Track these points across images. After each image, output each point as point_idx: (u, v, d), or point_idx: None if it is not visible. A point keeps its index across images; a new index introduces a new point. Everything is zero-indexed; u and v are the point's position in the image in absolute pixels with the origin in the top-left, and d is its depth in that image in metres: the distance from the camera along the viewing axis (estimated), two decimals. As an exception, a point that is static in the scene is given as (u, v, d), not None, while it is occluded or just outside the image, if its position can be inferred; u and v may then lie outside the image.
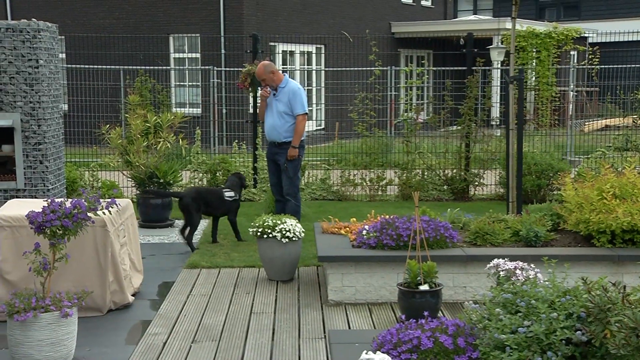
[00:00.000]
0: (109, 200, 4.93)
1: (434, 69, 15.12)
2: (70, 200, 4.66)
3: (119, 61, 15.85)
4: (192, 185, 10.55)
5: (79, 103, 13.31)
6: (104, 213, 5.11)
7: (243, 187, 8.22)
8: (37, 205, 4.97)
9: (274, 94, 7.62)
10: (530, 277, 4.31)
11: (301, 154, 7.64)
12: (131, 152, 8.92)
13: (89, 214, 4.62)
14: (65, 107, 13.60)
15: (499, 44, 17.99)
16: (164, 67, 16.21)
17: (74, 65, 13.90)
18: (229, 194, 7.75)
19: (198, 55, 18.73)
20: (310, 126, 17.79)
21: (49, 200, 4.60)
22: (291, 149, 7.45)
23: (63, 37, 17.07)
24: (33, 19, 7.14)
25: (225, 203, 7.74)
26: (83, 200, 4.64)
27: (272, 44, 18.12)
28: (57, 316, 4.42)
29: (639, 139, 10.54)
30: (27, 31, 7.02)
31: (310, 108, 18.65)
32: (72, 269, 5.20)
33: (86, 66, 13.65)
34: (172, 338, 5.09)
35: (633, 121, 10.92)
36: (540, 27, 18.64)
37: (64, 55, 16.96)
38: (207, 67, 13.99)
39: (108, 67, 14.00)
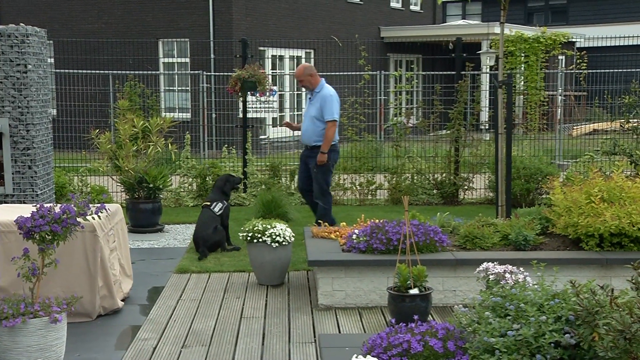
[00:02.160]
0: (99, 205, 4.92)
1: (423, 73, 15.19)
2: (59, 205, 4.64)
3: (108, 66, 15.82)
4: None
5: (67, 108, 13.26)
6: (93, 218, 5.10)
7: (233, 187, 8.09)
8: (25, 210, 4.95)
9: (310, 98, 7.81)
10: (520, 280, 4.33)
11: (333, 158, 7.75)
12: (120, 157, 8.89)
13: (78, 219, 4.61)
14: (54, 112, 13.55)
15: (488, 48, 18.09)
16: (153, 72, 16.18)
17: (62, 70, 13.85)
18: (217, 207, 7.66)
19: (187, 60, 18.72)
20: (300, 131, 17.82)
21: (38, 205, 4.59)
22: (320, 154, 7.57)
23: (51, 41, 17.02)
24: (21, 24, 7.12)
25: (219, 227, 7.58)
26: (72, 205, 4.63)
27: (261, 48, 18.13)
28: (46, 322, 4.40)
29: (626, 143, 10.60)
30: (15, 36, 7.00)
31: (300, 112, 18.72)
32: (61, 275, 5.18)
33: (75, 71, 13.61)
34: (162, 343, 5.07)
35: (620, 125, 10.98)
36: (529, 31, 18.74)
37: (52, 60, 16.90)
38: (196, 71, 13.99)
39: (97, 71, 13.98)
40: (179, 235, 8.68)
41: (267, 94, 10.29)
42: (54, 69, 13.76)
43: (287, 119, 17.90)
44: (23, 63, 7.03)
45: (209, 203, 7.70)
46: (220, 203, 7.67)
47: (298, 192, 10.83)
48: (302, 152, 8.02)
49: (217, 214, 7.60)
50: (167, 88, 17.61)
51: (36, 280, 4.53)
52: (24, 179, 7.13)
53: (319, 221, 7.16)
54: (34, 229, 4.48)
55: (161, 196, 9.29)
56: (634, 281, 3.17)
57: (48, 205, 4.65)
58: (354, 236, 6.02)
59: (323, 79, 7.85)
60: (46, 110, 7.52)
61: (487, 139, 11.66)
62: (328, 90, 7.75)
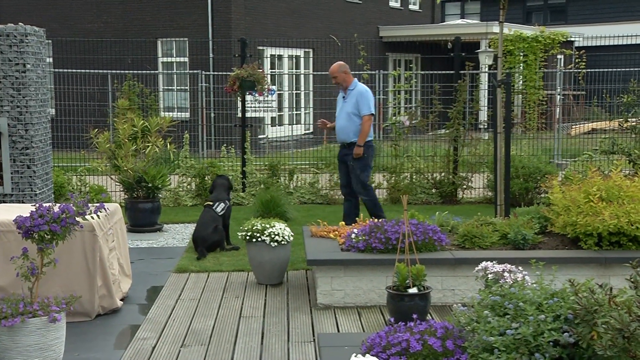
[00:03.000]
0: (98, 204, 4.92)
1: (422, 72, 15.18)
2: (58, 204, 4.64)
3: (107, 65, 15.80)
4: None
5: (66, 107, 13.25)
6: (92, 217, 5.10)
7: (230, 189, 8.14)
8: (24, 210, 4.95)
9: (343, 97, 7.89)
10: (518, 279, 4.33)
11: (369, 153, 7.82)
12: (119, 156, 8.89)
13: (77, 219, 4.61)
14: (53, 111, 13.55)
15: (487, 47, 18.09)
16: (152, 71, 16.18)
17: (61, 70, 13.84)
18: (219, 207, 7.68)
19: (186, 59, 18.72)
20: (298, 130, 17.84)
21: (37, 205, 4.59)
22: (356, 147, 7.68)
23: (50, 41, 17.03)
24: (20, 23, 7.11)
25: (218, 227, 7.59)
26: (71, 204, 4.63)
27: (260, 48, 18.12)
28: (45, 321, 4.40)
29: (624, 142, 10.61)
30: (14, 35, 6.99)
31: (299, 112, 18.74)
32: (60, 274, 5.18)
33: (74, 70, 13.60)
34: (161, 342, 5.07)
35: (619, 124, 10.99)
36: (528, 31, 18.74)
37: (51, 60, 16.89)
38: (195, 71, 13.99)
39: (96, 71, 13.96)
40: (178, 235, 8.68)
41: (266, 93, 10.30)
42: (52, 69, 13.75)
43: (286, 119, 17.91)
44: (22, 62, 7.03)
45: (211, 203, 7.70)
46: (222, 203, 7.68)
47: (297, 191, 10.85)
48: (339, 151, 8.12)
49: (219, 214, 7.61)
50: (166, 87, 17.60)
51: (35, 280, 4.53)
52: (23, 178, 7.13)
53: (370, 216, 7.19)
54: (33, 229, 4.48)
55: (160, 196, 9.29)
56: (632, 280, 3.18)
57: (47, 204, 4.65)
58: (353, 235, 6.02)
59: (356, 78, 8.02)
60: (45, 110, 7.52)
61: (486, 138, 11.66)
62: (363, 86, 7.92)
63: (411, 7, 27.25)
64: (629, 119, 10.96)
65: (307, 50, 20.22)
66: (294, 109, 18.39)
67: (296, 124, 18.22)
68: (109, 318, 5.57)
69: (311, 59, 20.15)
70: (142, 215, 8.80)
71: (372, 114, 7.75)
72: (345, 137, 7.83)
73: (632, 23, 27.15)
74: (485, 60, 16.58)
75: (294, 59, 20.13)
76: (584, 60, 13.87)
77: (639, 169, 8.79)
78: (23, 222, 4.50)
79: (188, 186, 10.84)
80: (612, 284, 3.30)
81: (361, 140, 7.67)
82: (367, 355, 3.36)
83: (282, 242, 6.38)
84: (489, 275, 4.51)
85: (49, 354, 4.44)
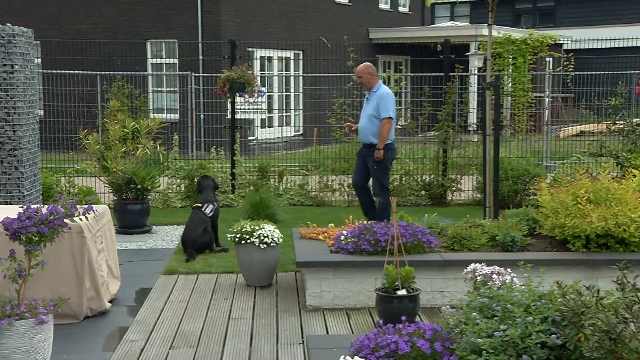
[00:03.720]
0: (86, 206, 4.90)
1: (412, 74, 15.21)
2: (46, 206, 4.62)
3: (96, 66, 15.74)
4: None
5: (55, 108, 13.19)
6: (80, 219, 5.08)
7: (216, 189, 8.14)
8: (12, 211, 4.92)
9: (367, 98, 7.98)
10: (507, 281, 4.35)
11: (389, 156, 7.88)
12: (108, 158, 8.86)
13: (65, 220, 4.59)
14: (41, 112, 13.49)
15: (476, 50, 18.15)
16: (142, 73, 16.13)
17: (50, 71, 13.78)
18: (208, 209, 7.66)
19: (176, 60, 18.68)
20: (288, 132, 17.84)
21: (25, 206, 4.56)
22: (377, 151, 7.73)
23: (39, 42, 16.92)
24: (8, 24, 7.08)
25: (208, 229, 7.58)
26: (59, 206, 4.61)
27: (250, 49, 18.11)
28: (32, 323, 4.38)
29: (612, 145, 10.67)
30: (2, 36, 6.96)
31: (289, 113, 18.73)
32: (48, 276, 5.15)
33: (62, 71, 13.54)
34: (149, 344, 5.06)
35: (607, 127, 11.05)
36: (517, 33, 18.83)
37: (39, 60, 16.81)
38: (185, 72, 13.96)
39: (84, 72, 13.91)
40: (167, 237, 8.66)
41: (256, 95, 10.30)
42: (41, 70, 13.69)
43: (276, 120, 17.91)
44: (10, 63, 6.99)
45: (200, 205, 7.69)
46: (211, 205, 7.67)
47: (287, 193, 10.85)
48: (360, 149, 8.26)
49: (208, 215, 7.60)
50: (156, 89, 17.56)
51: (22, 282, 4.51)
52: (11, 180, 7.09)
53: (372, 217, 7.29)
54: (20, 230, 4.46)
55: (149, 197, 9.27)
56: (619, 282, 3.20)
57: (35, 206, 4.63)
58: (342, 237, 6.03)
59: (381, 80, 8.10)
60: (33, 111, 7.48)
61: (475, 140, 11.70)
62: (385, 89, 7.98)
63: (401, 9, 27.31)
64: (617, 122, 11.03)
65: (297, 52, 20.23)
66: (284, 111, 18.38)
67: (286, 126, 18.22)
68: (97, 320, 5.54)
69: (301, 61, 20.16)
70: (131, 216, 8.77)
71: (391, 117, 7.77)
72: (365, 138, 7.92)
73: (621, 26, 27.32)
74: (474, 63, 16.63)
75: (284, 60, 20.13)
76: (572, 63, 13.95)
77: (626, 171, 8.85)
78: (10, 223, 4.47)
79: (177, 188, 10.81)
80: (599, 286, 3.31)
81: (380, 143, 7.71)
82: (356, 357, 3.36)
83: (272, 244, 6.38)
84: (478, 277, 4.52)
85: (35, 357, 4.41)
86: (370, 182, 8.09)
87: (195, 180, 10.52)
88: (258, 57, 18.37)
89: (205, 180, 8.02)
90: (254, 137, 15.27)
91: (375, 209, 7.90)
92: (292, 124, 18.79)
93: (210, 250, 7.60)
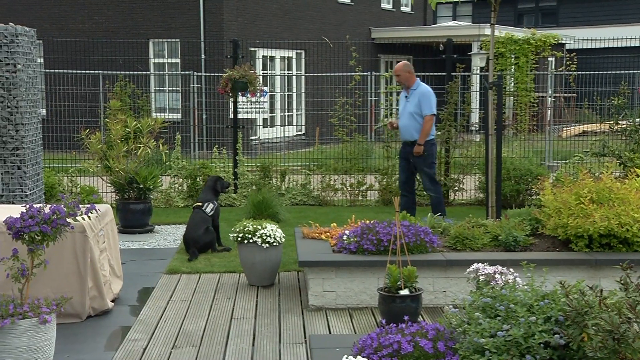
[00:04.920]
0: (89, 205, 4.90)
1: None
2: (49, 205, 4.62)
3: (98, 66, 15.76)
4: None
5: (57, 108, 13.21)
6: (83, 219, 5.08)
7: (222, 190, 8.11)
8: (15, 210, 4.93)
9: (406, 96, 8.12)
10: (509, 281, 4.34)
11: (432, 150, 8.09)
12: (111, 157, 8.87)
13: (68, 220, 4.59)
14: (44, 112, 13.50)
15: (479, 49, 18.14)
16: (144, 72, 16.14)
17: (52, 70, 13.79)
18: (209, 208, 7.66)
19: (178, 60, 18.68)
20: (290, 131, 17.85)
21: (27, 205, 4.56)
22: (417, 146, 7.94)
23: (41, 41, 16.97)
24: (10, 23, 7.08)
25: (210, 228, 7.59)
26: (62, 205, 4.61)
27: (252, 49, 18.12)
28: (35, 323, 4.38)
29: (615, 145, 10.66)
30: (5, 35, 6.96)
31: (291, 113, 18.73)
32: (51, 275, 5.16)
33: (65, 71, 13.55)
34: (152, 344, 5.06)
35: (610, 127, 11.04)
36: (519, 33, 18.81)
37: (42, 60, 16.83)
38: (187, 72, 13.96)
39: (87, 71, 13.92)
40: (169, 236, 8.66)
41: (258, 94, 10.29)
42: (43, 69, 13.70)
43: (278, 120, 17.91)
44: (12, 63, 6.99)
45: (200, 204, 7.69)
46: (211, 204, 7.67)
47: (289, 193, 10.85)
48: (401, 149, 8.39)
49: (209, 214, 7.60)
50: (158, 88, 17.57)
51: (25, 281, 4.51)
52: (13, 179, 7.09)
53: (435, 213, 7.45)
54: (23, 230, 4.46)
55: (151, 197, 9.27)
56: (622, 282, 3.19)
57: (37, 205, 4.63)
58: (345, 237, 6.02)
59: (418, 78, 8.24)
60: (35, 110, 7.49)
61: (478, 140, 11.69)
62: (425, 87, 8.14)
63: (403, 8, 27.30)
64: (620, 122, 11.01)
65: (299, 51, 20.23)
66: (286, 110, 18.39)
67: (288, 125, 18.22)
68: (99, 319, 5.55)
69: (303, 60, 20.16)
70: (134, 216, 8.78)
71: (434, 114, 8.00)
72: (409, 135, 8.07)
73: (623, 26, 27.29)
74: (477, 62, 16.62)
75: (286, 60, 20.13)
76: (574, 62, 13.94)
77: (629, 171, 8.84)
78: (13, 223, 4.48)
79: (180, 187, 10.81)
80: (602, 286, 3.31)
81: (422, 139, 7.93)
82: (359, 357, 3.36)
83: (274, 244, 6.38)
84: (480, 277, 4.52)
85: (39, 356, 4.42)
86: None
87: (198, 179, 10.56)
88: (260, 57, 18.38)
89: (209, 180, 8.03)
90: (256, 137, 15.28)
91: (414, 210, 8.12)
92: (294, 123, 18.79)
93: (212, 250, 7.60)
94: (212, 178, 8.05)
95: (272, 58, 19.38)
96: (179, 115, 16.32)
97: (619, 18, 30.25)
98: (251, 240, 6.33)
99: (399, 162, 8.60)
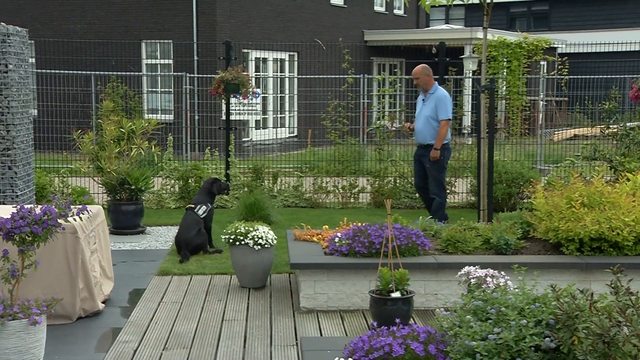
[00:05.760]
0: (80, 206, 4.88)
1: (407, 77, 15.21)
2: (40, 206, 4.61)
3: (90, 66, 15.72)
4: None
5: (49, 108, 13.16)
6: (74, 219, 5.06)
7: (219, 192, 8.09)
8: (5, 211, 4.91)
9: (423, 99, 8.21)
10: (501, 284, 4.35)
11: (445, 155, 8.20)
12: (102, 158, 8.84)
13: (59, 221, 4.57)
14: (35, 112, 13.46)
15: (471, 53, 18.18)
16: (136, 73, 16.10)
17: (44, 70, 13.74)
18: (201, 210, 7.65)
19: (170, 61, 18.65)
20: (283, 133, 17.84)
21: (18, 206, 4.54)
22: (433, 150, 8.02)
23: (33, 41, 16.91)
24: (2, 23, 7.05)
25: (202, 230, 7.58)
26: (53, 206, 4.59)
27: (245, 50, 18.10)
28: (25, 324, 4.36)
29: (606, 149, 10.71)
30: (-3, 35, 6.93)
31: (283, 115, 18.72)
32: (41, 276, 5.14)
33: (56, 71, 13.51)
34: (142, 346, 5.05)
35: (601, 131, 11.10)
36: (511, 37, 18.85)
37: (34, 60, 16.77)
38: (179, 73, 13.95)
39: (79, 72, 13.88)
40: (161, 237, 8.64)
41: (250, 96, 10.28)
42: (35, 69, 13.65)
43: (270, 122, 17.90)
44: (4, 63, 6.96)
45: (193, 205, 7.67)
46: (204, 206, 7.66)
47: (281, 195, 10.84)
48: (416, 151, 8.51)
49: (201, 216, 7.58)
50: (150, 89, 17.53)
51: (15, 282, 4.49)
52: (4, 179, 7.06)
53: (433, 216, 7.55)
54: (13, 230, 4.44)
55: (143, 198, 9.25)
56: (613, 285, 3.21)
57: (28, 206, 4.61)
58: (337, 239, 6.02)
59: (436, 82, 8.32)
60: (27, 111, 7.46)
61: (470, 143, 11.72)
62: (442, 91, 8.24)
63: (396, 11, 27.35)
64: (611, 126, 11.06)
65: (292, 53, 20.23)
66: (279, 112, 18.38)
67: (280, 127, 18.21)
68: (90, 321, 5.53)
69: (296, 62, 20.16)
70: (125, 217, 8.75)
71: (450, 119, 8.09)
72: (423, 139, 8.17)
73: (614, 31, 27.44)
74: (469, 66, 16.67)
75: (278, 62, 20.13)
76: (566, 66, 13.99)
77: (620, 175, 8.88)
78: (4, 223, 4.46)
79: (171, 189, 10.79)
80: (593, 290, 3.32)
81: (438, 143, 8.02)
82: (350, 359, 3.36)
83: (266, 246, 6.37)
84: (472, 280, 4.53)
85: (28, 357, 4.40)
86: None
87: (190, 181, 10.54)
88: (253, 59, 18.36)
89: (205, 182, 8.02)
90: (249, 139, 15.27)
91: (431, 202, 8.22)
92: (287, 125, 18.78)
93: (204, 252, 7.59)
94: (209, 180, 8.04)
95: (264, 60, 19.38)
96: (171, 117, 16.29)
97: (610, 23, 30.41)
98: (243, 242, 6.33)
99: (413, 165, 8.75)
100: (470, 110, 12.99)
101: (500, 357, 3.18)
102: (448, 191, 10.98)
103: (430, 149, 8.11)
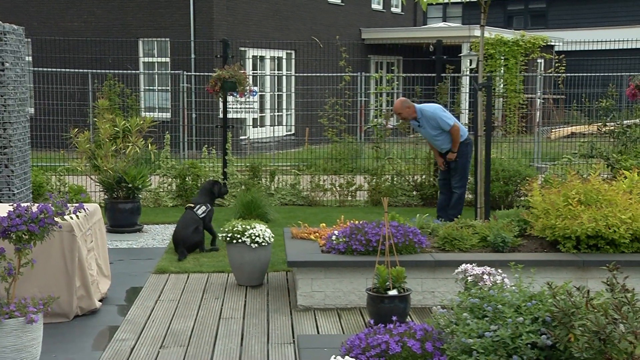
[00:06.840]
0: (77, 204, 4.88)
1: (404, 75, 15.23)
2: (36, 204, 4.60)
3: (87, 65, 15.70)
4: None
5: (46, 106, 13.15)
6: (71, 218, 5.06)
7: (218, 195, 8.09)
8: (2, 209, 4.90)
9: (419, 125, 8.46)
10: (497, 282, 4.36)
11: (466, 150, 8.42)
12: (99, 156, 8.83)
13: (56, 219, 4.57)
14: (32, 110, 13.44)
15: (468, 51, 18.21)
16: (133, 71, 16.09)
17: (40, 69, 13.72)
18: (200, 210, 7.65)
19: (168, 59, 18.64)
20: (280, 131, 17.84)
21: (15, 204, 4.54)
22: (450, 153, 8.42)
23: (29, 39, 16.86)
24: (-1, 21, 7.04)
25: (199, 228, 7.58)
26: (50, 204, 4.59)
27: (242, 49, 18.10)
28: (22, 322, 4.36)
29: (603, 146, 10.72)
30: (-7, 33, 6.92)
31: (281, 113, 18.73)
32: (38, 274, 5.13)
33: (53, 69, 13.49)
34: (139, 344, 5.05)
35: (598, 129, 11.11)
36: (508, 35, 18.88)
37: (30, 58, 16.74)
38: (176, 71, 13.94)
39: (76, 70, 13.86)
40: (158, 236, 8.64)
41: (247, 94, 10.28)
42: (31, 67, 13.63)
43: (268, 120, 17.90)
44: (0, 61, 6.95)
45: (192, 205, 7.68)
46: (204, 206, 7.66)
47: (278, 193, 10.84)
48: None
49: (200, 216, 7.58)
50: (147, 87, 17.52)
51: (12, 280, 4.49)
52: (1, 178, 7.05)
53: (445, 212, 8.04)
54: (10, 229, 4.43)
55: (140, 196, 9.24)
56: (609, 283, 3.21)
57: (25, 204, 4.60)
58: (334, 237, 6.03)
59: (414, 104, 8.56)
60: (23, 109, 7.45)
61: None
62: (427, 108, 8.46)
63: (393, 9, 27.34)
64: (607, 123, 11.07)
65: (289, 51, 20.22)
66: (276, 110, 18.38)
67: (278, 125, 18.21)
68: (87, 319, 5.52)
69: (293, 61, 20.15)
70: (122, 215, 8.74)
71: (455, 124, 8.30)
72: (445, 148, 8.46)
73: (611, 28, 27.45)
74: (466, 64, 16.68)
75: (276, 60, 20.12)
76: (563, 64, 14.01)
77: (617, 172, 8.90)
78: (0, 222, 4.45)
79: (169, 187, 10.78)
80: (589, 287, 3.33)
81: (454, 147, 8.37)
82: (347, 357, 3.36)
83: (263, 244, 6.37)
84: (469, 278, 4.54)
85: (25, 356, 4.40)
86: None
87: (187, 179, 10.53)
88: (250, 57, 18.36)
89: (206, 183, 8.04)
90: (246, 137, 15.26)
91: (445, 210, 8.39)
92: (284, 123, 18.78)
93: (201, 250, 7.59)
94: (210, 181, 8.07)
95: (262, 58, 19.37)
96: (169, 115, 16.28)
97: (607, 21, 30.42)
98: (240, 240, 6.33)
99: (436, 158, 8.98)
100: (467, 108, 13.00)
101: (497, 355, 3.18)
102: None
103: (449, 152, 8.42)
